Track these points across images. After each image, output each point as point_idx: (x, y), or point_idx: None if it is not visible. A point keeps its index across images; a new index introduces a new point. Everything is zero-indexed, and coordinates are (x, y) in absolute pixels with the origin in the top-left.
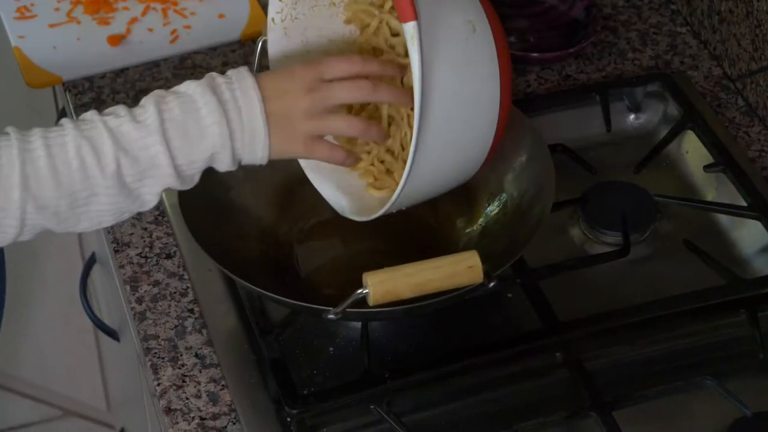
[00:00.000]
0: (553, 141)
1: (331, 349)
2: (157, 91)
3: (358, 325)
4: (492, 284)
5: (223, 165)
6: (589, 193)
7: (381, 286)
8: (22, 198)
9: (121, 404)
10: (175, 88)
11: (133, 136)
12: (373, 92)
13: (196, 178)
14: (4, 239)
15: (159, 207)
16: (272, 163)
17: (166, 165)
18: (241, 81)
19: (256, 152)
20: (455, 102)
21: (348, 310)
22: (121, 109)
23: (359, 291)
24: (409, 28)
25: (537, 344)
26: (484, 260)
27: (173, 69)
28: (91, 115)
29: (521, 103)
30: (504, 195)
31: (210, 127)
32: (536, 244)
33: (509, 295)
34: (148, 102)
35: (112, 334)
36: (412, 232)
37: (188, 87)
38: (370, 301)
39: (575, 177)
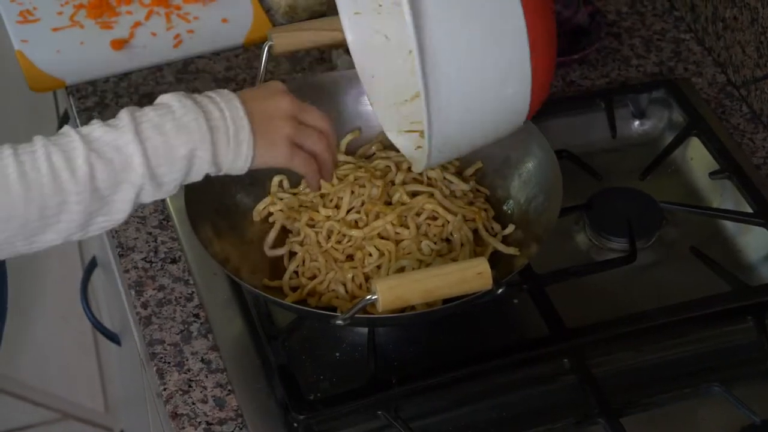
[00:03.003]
0: (557, 147)
1: (337, 354)
2: (130, 107)
3: (365, 330)
4: (500, 291)
5: (203, 166)
6: (594, 200)
7: (390, 292)
8: None
9: (119, 407)
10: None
11: (106, 138)
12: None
13: (174, 187)
14: None
15: (164, 211)
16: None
17: (140, 165)
18: (219, 92)
19: (241, 153)
20: (464, 34)
21: (356, 316)
22: (94, 121)
23: (368, 297)
24: None
25: (544, 350)
26: (491, 266)
27: (177, 73)
28: (65, 128)
29: None
30: (511, 201)
31: (188, 124)
32: (542, 250)
33: (515, 301)
34: (122, 112)
35: (114, 338)
36: None
37: (162, 97)
38: (379, 307)
39: (580, 183)
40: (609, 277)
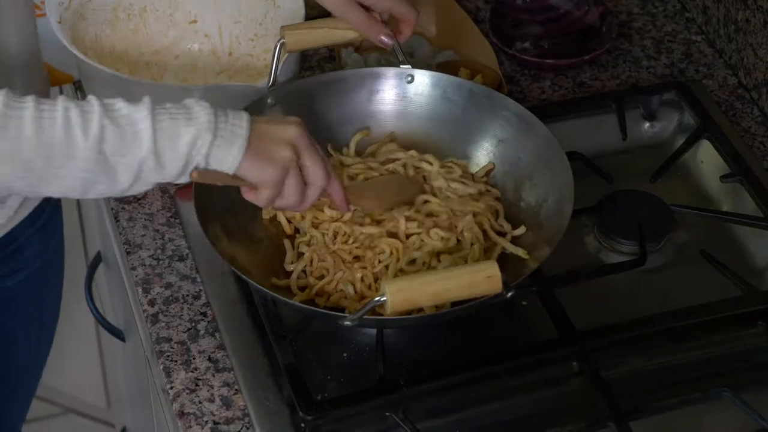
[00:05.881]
0: (568, 148)
1: (345, 354)
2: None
3: (373, 331)
4: (510, 294)
5: (199, 157)
6: (604, 202)
7: (399, 294)
8: None
9: (122, 403)
10: None
11: (124, 111)
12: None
13: (173, 171)
14: None
15: (171, 208)
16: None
17: (148, 140)
18: (234, 111)
19: (230, 152)
20: None
21: (364, 317)
22: (120, 99)
23: (377, 298)
24: None
25: (553, 353)
26: (501, 269)
27: None
28: (90, 97)
29: (536, 110)
30: (521, 204)
31: (198, 117)
32: (551, 252)
33: (525, 303)
34: (145, 97)
35: (118, 334)
36: None
37: (186, 101)
38: (388, 309)
39: (591, 185)
40: (619, 280)
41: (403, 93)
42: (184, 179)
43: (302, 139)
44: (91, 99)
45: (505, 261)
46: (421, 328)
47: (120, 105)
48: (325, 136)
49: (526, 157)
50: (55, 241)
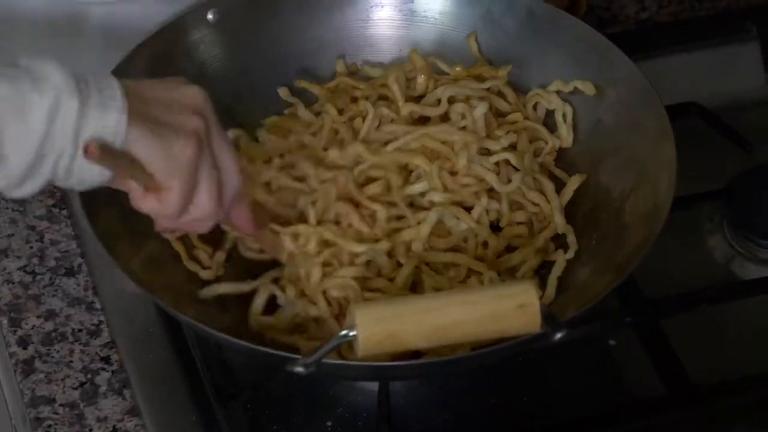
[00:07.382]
0: (680, 98)
1: (329, 423)
2: None
3: (373, 386)
4: (560, 335)
5: (63, 136)
6: (739, 183)
7: (377, 327)
8: None
9: None
10: None
11: None
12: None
13: (19, 165)
14: None
15: (55, 193)
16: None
17: None
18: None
19: (107, 115)
20: None
21: (325, 361)
22: None
23: (343, 332)
24: None
25: (659, 419)
26: (560, 290)
27: None
28: None
29: (629, 36)
30: (598, 191)
31: (46, 72)
32: (653, 263)
33: (612, 342)
34: None
35: None
36: None
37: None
38: (359, 351)
39: (717, 155)
40: (761, 307)
41: (419, 10)
42: (28, 187)
43: (209, 107)
44: None
45: (571, 280)
46: (446, 380)
47: None
48: (291, 75)
49: (608, 116)
50: None
